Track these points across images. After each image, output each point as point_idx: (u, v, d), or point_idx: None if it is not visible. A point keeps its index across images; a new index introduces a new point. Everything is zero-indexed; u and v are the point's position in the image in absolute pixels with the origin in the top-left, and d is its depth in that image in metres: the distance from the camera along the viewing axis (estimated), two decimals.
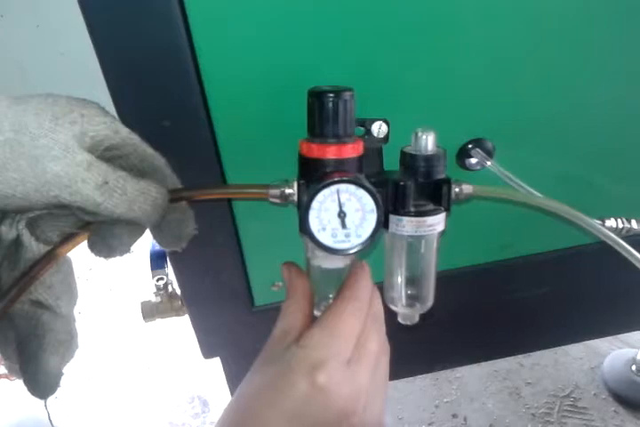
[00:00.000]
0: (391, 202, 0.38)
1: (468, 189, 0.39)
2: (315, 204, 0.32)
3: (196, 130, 0.44)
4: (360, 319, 0.34)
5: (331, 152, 0.35)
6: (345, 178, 0.33)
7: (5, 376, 0.99)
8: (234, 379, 0.76)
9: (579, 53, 0.51)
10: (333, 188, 0.32)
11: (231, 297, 0.66)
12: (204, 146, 0.45)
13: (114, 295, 1.31)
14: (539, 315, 0.76)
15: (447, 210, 0.38)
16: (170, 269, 0.84)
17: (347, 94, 0.35)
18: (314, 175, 0.35)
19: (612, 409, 1.01)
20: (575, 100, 0.54)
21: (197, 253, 0.53)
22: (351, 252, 0.33)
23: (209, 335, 0.70)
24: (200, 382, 1.08)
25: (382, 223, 0.34)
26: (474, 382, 1.08)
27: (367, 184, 0.33)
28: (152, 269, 0.85)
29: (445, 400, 1.05)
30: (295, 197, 0.35)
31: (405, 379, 1.07)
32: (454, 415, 1.03)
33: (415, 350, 0.77)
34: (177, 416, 1.05)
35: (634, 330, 0.85)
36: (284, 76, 0.43)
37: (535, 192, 0.49)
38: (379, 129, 0.40)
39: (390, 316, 0.42)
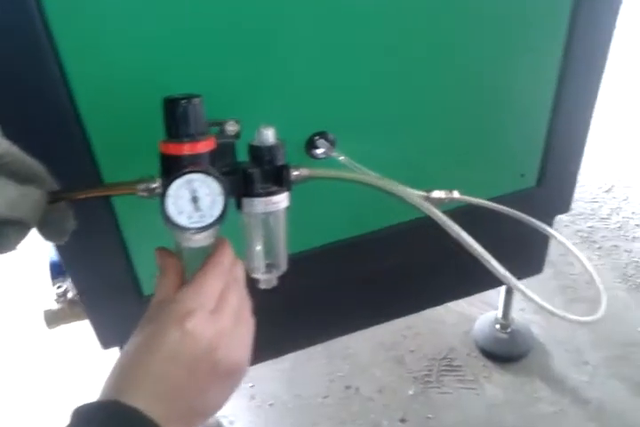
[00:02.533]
0: (243, 187, 0.46)
1: (304, 171, 0.48)
2: (170, 192, 0.40)
3: (68, 134, 0.50)
4: (222, 279, 0.42)
5: (185, 149, 0.42)
6: (195, 169, 0.40)
7: None
8: None
9: (404, 56, 0.61)
10: (186, 177, 0.40)
11: (120, 289, 0.72)
12: (78, 150, 0.52)
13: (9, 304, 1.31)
14: (399, 284, 0.87)
15: (289, 189, 0.47)
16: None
17: (195, 100, 0.43)
18: (173, 170, 0.42)
19: (481, 364, 1.14)
20: (401, 98, 0.64)
21: (82, 247, 0.60)
22: (205, 228, 0.41)
23: (104, 327, 0.76)
24: None
25: (228, 204, 0.42)
26: (363, 355, 1.18)
27: (214, 173, 0.41)
28: (52, 278, 0.89)
29: (339, 374, 1.15)
30: (159, 191, 0.42)
31: (300, 360, 1.16)
32: (347, 387, 1.13)
33: (298, 325, 0.86)
34: None
35: (483, 290, 0.99)
36: (144, 81, 0.51)
37: (371, 173, 0.59)
38: (231, 128, 0.48)
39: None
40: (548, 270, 1.07)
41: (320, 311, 0.86)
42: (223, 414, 1.09)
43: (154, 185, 0.42)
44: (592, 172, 1.59)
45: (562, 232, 1.15)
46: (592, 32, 0.72)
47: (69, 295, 0.88)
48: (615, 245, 1.38)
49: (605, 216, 1.46)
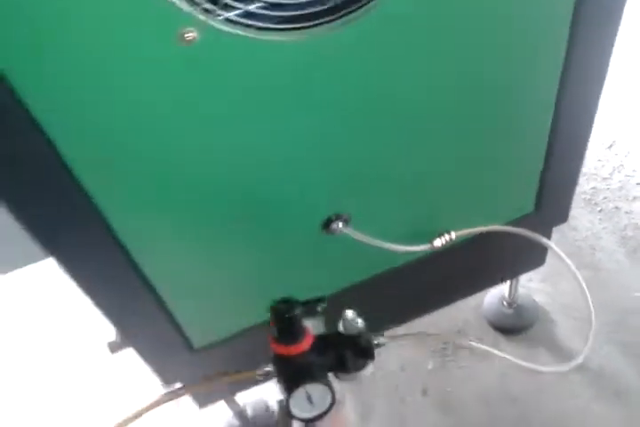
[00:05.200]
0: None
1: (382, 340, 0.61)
2: (292, 398, 0.54)
3: None
4: None
5: (293, 350, 0.54)
6: (308, 380, 0.53)
7: None
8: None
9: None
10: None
11: (173, 346, 0.85)
12: None
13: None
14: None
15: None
16: None
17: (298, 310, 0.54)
18: (285, 366, 0.54)
19: (491, 336, 1.28)
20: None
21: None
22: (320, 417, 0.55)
23: (161, 372, 0.89)
24: None
25: (334, 394, 0.55)
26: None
27: (323, 380, 0.53)
28: None
29: None
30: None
31: None
32: None
33: None
34: None
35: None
36: None
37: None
38: (320, 308, 0.60)
39: None
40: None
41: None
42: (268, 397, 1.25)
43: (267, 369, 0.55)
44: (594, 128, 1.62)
45: None
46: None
47: None
48: (616, 207, 1.46)
49: (607, 176, 1.52)
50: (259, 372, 0.57)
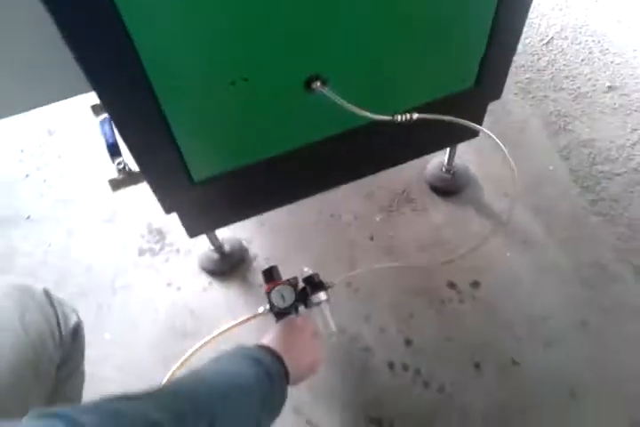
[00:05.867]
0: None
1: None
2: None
3: None
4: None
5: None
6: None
7: None
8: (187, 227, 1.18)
9: None
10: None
11: (174, 174, 1.03)
12: None
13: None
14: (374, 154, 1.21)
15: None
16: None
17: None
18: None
19: (429, 196, 1.53)
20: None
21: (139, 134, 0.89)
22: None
23: (164, 199, 1.09)
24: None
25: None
26: (344, 191, 1.55)
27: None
28: (111, 156, 1.18)
29: (325, 207, 1.53)
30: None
31: (299, 204, 1.52)
32: (332, 215, 1.51)
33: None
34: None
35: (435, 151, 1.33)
36: None
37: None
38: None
39: None
40: (487, 119, 1.38)
41: (314, 175, 1.21)
42: (243, 237, 1.48)
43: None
44: (534, 26, 1.82)
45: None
46: None
47: (127, 168, 1.19)
48: (545, 96, 1.69)
49: (542, 68, 1.74)
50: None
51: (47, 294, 0.94)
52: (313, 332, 1.00)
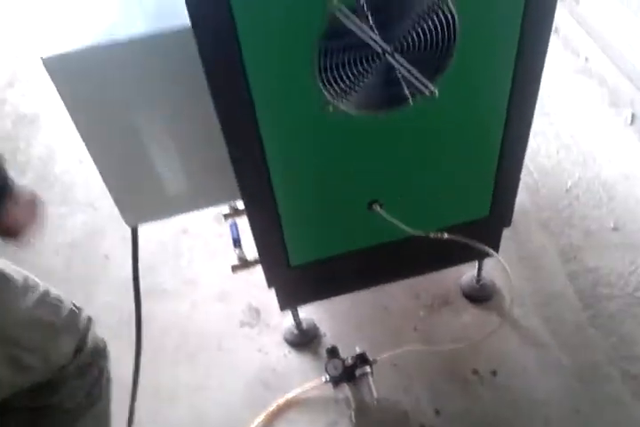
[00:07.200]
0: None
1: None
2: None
3: None
4: None
5: None
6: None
7: None
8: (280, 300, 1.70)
9: None
10: None
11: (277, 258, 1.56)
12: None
13: None
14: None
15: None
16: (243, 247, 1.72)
17: None
18: None
19: (462, 301, 1.99)
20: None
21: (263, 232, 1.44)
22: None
23: (269, 276, 1.60)
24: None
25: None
26: (396, 289, 2.03)
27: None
28: (235, 248, 1.73)
29: (379, 301, 2.01)
30: None
31: (359, 297, 2.01)
32: (385, 307, 1.99)
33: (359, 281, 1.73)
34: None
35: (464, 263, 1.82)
36: None
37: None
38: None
39: None
40: (513, 244, 1.86)
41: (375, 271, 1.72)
42: (316, 318, 1.96)
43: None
44: (559, 174, 2.34)
45: None
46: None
47: (245, 257, 1.73)
48: (561, 231, 2.16)
49: (560, 209, 2.23)
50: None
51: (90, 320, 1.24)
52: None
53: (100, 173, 1.16)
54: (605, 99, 2.56)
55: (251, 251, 1.62)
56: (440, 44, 1.09)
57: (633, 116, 2.41)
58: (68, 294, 1.19)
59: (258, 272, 1.63)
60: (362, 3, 1.01)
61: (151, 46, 1.00)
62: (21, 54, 3.16)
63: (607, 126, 2.48)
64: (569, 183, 2.31)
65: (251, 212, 1.37)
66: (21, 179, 2.49)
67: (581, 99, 2.61)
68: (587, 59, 2.68)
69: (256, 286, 1.99)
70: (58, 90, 1.02)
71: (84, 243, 2.27)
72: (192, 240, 2.26)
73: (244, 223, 1.57)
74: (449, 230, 1.51)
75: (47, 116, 2.79)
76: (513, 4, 1.07)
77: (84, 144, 1.13)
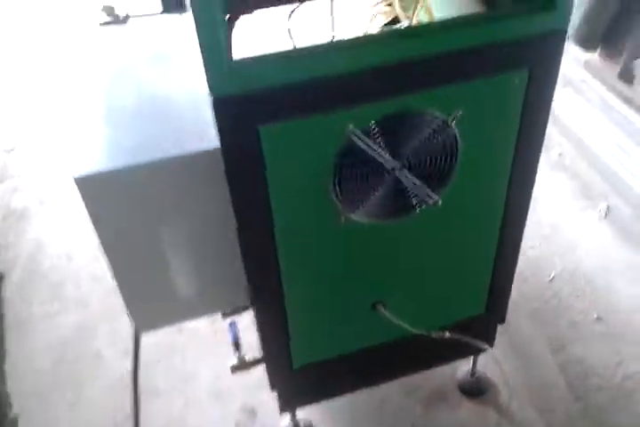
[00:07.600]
0: None
1: None
2: None
3: None
4: None
5: None
6: None
7: None
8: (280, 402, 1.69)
9: None
10: None
11: (280, 361, 1.57)
12: None
13: None
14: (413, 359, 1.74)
15: None
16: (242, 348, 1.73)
17: None
18: None
19: (458, 396, 2.00)
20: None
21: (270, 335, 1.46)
22: None
23: (272, 378, 1.61)
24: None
25: None
26: (390, 388, 2.03)
27: None
28: (235, 349, 1.74)
29: (377, 398, 2.01)
30: None
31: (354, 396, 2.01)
32: (382, 400, 1.99)
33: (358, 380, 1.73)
34: None
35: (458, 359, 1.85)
36: None
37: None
38: None
39: None
40: (504, 337, 1.91)
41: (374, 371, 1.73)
42: (313, 420, 1.95)
43: None
44: (543, 266, 2.43)
45: None
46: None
47: (244, 357, 1.74)
48: (548, 321, 2.22)
49: (546, 300, 2.30)
50: None
51: None
52: None
53: (119, 284, 1.20)
54: (579, 192, 2.72)
55: (250, 350, 1.64)
56: (444, 161, 1.19)
57: (608, 208, 2.55)
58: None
59: (254, 371, 1.64)
60: (373, 127, 1.11)
61: (180, 166, 1.07)
62: (11, 148, 3.23)
63: (583, 219, 2.62)
64: (552, 274, 2.40)
65: (259, 315, 1.41)
66: (10, 275, 2.48)
67: (557, 192, 2.76)
68: (560, 154, 2.86)
69: (251, 384, 1.99)
70: (87, 207, 1.07)
71: (74, 341, 2.24)
72: (186, 338, 2.26)
73: (241, 322, 1.62)
74: (447, 327, 1.55)
75: (36, 211, 2.82)
76: (508, 128, 1.19)
77: (104, 255, 1.17)
